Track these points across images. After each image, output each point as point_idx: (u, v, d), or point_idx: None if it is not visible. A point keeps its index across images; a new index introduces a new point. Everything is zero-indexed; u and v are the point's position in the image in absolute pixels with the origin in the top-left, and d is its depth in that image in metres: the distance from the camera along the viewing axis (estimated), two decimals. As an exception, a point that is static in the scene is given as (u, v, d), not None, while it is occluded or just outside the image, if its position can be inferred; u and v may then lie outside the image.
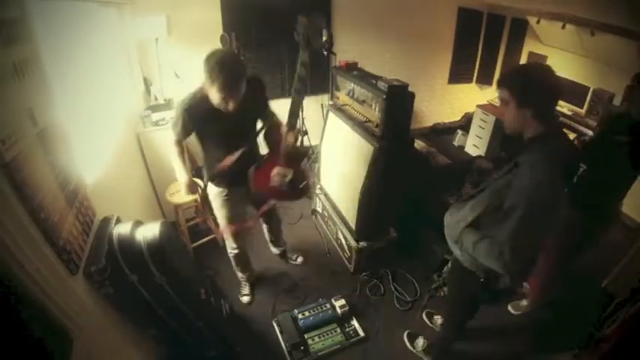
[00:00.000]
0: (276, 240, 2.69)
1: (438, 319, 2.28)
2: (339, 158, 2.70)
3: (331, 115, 2.72)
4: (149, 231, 1.47)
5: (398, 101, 2.04)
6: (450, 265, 1.85)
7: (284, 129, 1.84)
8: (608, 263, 2.63)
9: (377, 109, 2.14)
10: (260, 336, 2.20)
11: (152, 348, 1.81)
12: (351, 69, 2.48)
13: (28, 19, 1.17)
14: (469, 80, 5.08)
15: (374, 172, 2.21)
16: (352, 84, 2.42)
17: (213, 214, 2.23)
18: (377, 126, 2.16)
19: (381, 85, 2.04)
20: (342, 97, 2.59)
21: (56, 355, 1.03)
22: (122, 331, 1.54)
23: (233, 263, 2.35)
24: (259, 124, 1.97)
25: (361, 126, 2.32)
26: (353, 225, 2.56)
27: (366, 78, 2.28)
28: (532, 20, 3.81)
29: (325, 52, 3.29)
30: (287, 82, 3.96)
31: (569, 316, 2.35)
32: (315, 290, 2.50)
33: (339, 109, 2.61)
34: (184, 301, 1.56)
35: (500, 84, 1.30)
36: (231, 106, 1.60)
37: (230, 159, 1.79)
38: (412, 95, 2.10)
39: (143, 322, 1.61)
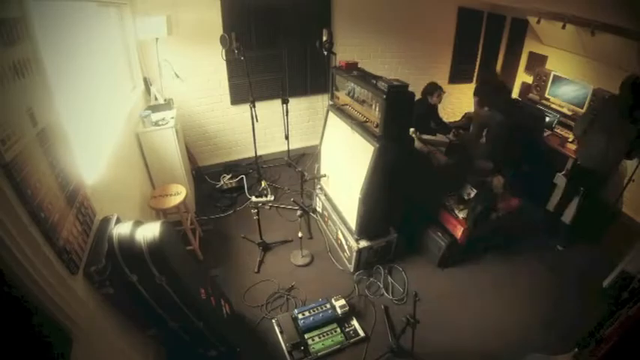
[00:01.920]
0: None
1: None
2: (339, 158, 2.69)
3: (331, 115, 2.72)
4: (149, 231, 1.47)
5: (398, 101, 2.04)
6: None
7: None
8: (608, 263, 2.63)
9: (377, 109, 2.14)
10: (260, 336, 2.20)
11: (152, 348, 1.81)
12: (351, 69, 2.48)
13: (28, 19, 1.17)
14: (469, 80, 5.07)
15: (374, 172, 2.21)
16: (352, 84, 2.41)
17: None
18: (377, 126, 2.16)
19: (381, 85, 2.03)
20: (342, 97, 2.59)
21: (56, 354, 1.03)
22: (122, 331, 1.54)
23: None
24: None
25: (361, 126, 2.32)
26: (353, 225, 2.56)
27: (366, 78, 2.28)
28: (532, 20, 3.81)
29: (325, 52, 3.29)
30: (286, 81, 3.96)
31: (569, 316, 2.35)
32: (316, 290, 2.50)
33: (339, 109, 2.61)
34: (184, 301, 1.56)
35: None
36: None
37: None
38: (412, 95, 2.10)
39: (143, 322, 1.62)
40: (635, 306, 1.58)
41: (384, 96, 2.01)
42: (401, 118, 2.12)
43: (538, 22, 3.72)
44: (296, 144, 4.29)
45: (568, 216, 3.00)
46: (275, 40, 3.72)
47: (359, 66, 2.52)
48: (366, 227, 2.51)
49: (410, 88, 2.07)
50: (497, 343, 2.20)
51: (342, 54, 3.64)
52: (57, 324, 1.08)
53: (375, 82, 2.12)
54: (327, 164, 2.92)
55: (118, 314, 1.50)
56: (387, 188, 2.31)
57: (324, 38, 3.29)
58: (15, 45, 1.06)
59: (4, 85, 0.98)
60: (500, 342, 2.21)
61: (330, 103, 2.75)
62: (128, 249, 1.40)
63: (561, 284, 2.67)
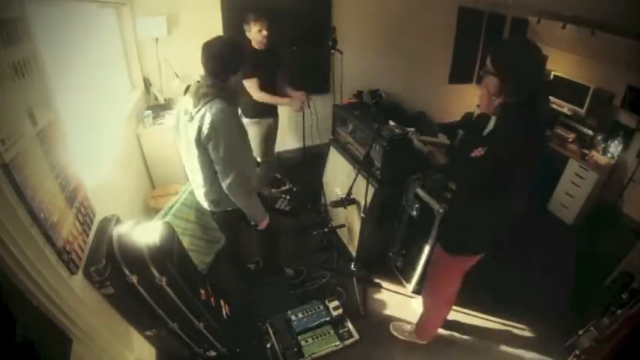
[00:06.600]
0: None
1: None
2: (340, 190, 2.69)
3: (332, 150, 2.75)
4: (149, 231, 1.47)
5: (398, 149, 2.11)
6: None
7: None
8: (609, 263, 2.62)
9: (377, 149, 2.18)
10: (260, 337, 2.20)
11: (151, 348, 1.81)
12: (354, 108, 2.55)
13: (28, 19, 1.17)
14: (469, 80, 5.07)
15: (372, 212, 2.27)
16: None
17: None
18: (378, 169, 2.21)
19: (384, 132, 2.09)
20: (344, 134, 2.64)
21: (56, 355, 1.03)
22: (122, 331, 1.54)
23: None
24: None
25: (362, 165, 2.26)
26: (354, 253, 2.60)
27: (367, 121, 2.33)
28: (532, 20, 3.81)
29: (333, 51, 3.21)
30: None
31: (568, 316, 2.35)
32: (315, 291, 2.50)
33: (341, 146, 2.66)
34: (184, 301, 1.56)
35: None
36: None
37: None
38: (411, 141, 2.22)
39: (143, 322, 1.61)
40: (635, 306, 1.59)
41: (385, 144, 2.07)
42: (400, 164, 2.19)
43: (538, 22, 3.72)
44: (294, 144, 4.29)
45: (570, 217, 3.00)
46: (275, 40, 3.71)
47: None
48: (366, 255, 2.57)
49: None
50: (495, 344, 2.20)
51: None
52: (56, 324, 1.08)
53: (376, 126, 2.13)
54: (330, 196, 2.88)
55: (118, 314, 1.50)
56: (386, 224, 2.43)
57: (332, 36, 3.24)
58: (15, 45, 1.06)
59: (4, 85, 0.98)
60: (498, 343, 2.21)
61: (332, 137, 2.80)
62: (128, 249, 1.40)
63: (561, 284, 2.67)
